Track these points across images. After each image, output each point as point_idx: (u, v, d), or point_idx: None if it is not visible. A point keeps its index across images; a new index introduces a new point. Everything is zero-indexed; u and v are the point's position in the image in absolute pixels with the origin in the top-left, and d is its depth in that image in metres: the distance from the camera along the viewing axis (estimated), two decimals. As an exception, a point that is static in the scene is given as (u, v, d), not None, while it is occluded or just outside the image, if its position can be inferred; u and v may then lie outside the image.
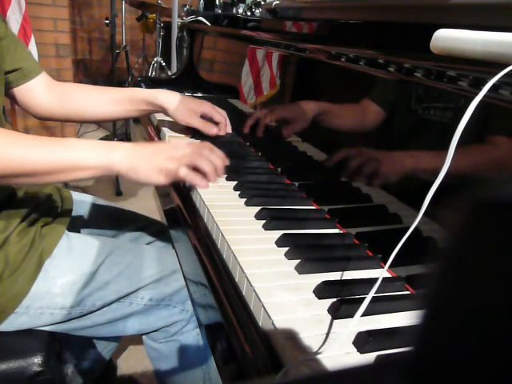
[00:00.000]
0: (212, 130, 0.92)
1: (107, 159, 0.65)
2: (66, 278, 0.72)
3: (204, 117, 0.94)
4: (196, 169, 0.68)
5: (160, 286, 0.79)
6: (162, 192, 0.93)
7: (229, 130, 0.99)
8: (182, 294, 0.80)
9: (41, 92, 0.88)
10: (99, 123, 3.35)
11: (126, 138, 2.78)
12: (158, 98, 0.90)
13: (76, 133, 3.11)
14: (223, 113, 0.97)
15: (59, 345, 0.78)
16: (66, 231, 0.77)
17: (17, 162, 0.59)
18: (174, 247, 0.86)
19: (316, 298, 0.46)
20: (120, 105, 0.91)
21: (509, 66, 0.38)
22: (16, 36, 0.84)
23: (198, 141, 0.92)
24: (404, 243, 0.42)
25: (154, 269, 0.79)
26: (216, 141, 0.97)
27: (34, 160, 0.60)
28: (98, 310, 0.75)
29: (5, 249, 0.68)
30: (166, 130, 0.98)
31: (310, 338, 0.40)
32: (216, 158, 0.71)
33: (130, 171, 0.66)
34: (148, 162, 0.67)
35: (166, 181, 0.67)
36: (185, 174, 0.66)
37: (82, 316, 0.74)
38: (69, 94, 0.91)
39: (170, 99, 0.90)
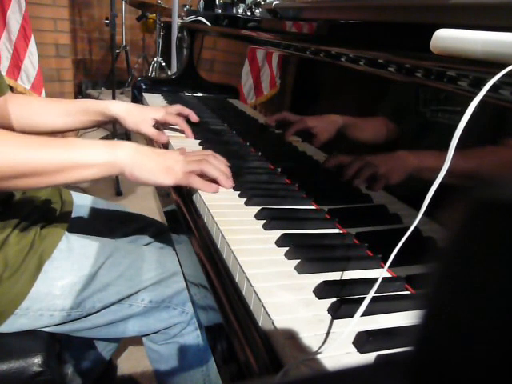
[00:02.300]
0: (162, 139, 0.92)
1: (111, 156, 0.64)
2: (65, 279, 0.72)
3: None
4: (202, 175, 0.69)
5: (160, 287, 0.79)
6: (161, 192, 0.93)
7: (194, 118, 1.02)
8: (182, 295, 0.80)
9: (2, 109, 0.87)
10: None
11: (127, 137, 2.78)
12: (110, 109, 0.90)
13: (76, 133, 3.10)
14: (176, 108, 0.98)
15: (59, 345, 0.78)
16: (66, 232, 0.77)
17: (20, 164, 0.59)
18: (174, 248, 0.86)
19: (316, 298, 0.46)
20: (72, 117, 0.91)
21: (509, 65, 0.38)
22: None
23: (200, 147, 0.92)
24: (404, 243, 0.42)
25: (154, 271, 0.79)
26: (216, 140, 0.97)
27: (38, 161, 0.60)
28: (98, 311, 0.75)
29: (4, 250, 0.68)
30: (166, 130, 0.99)
31: (310, 337, 0.40)
32: (222, 164, 0.72)
33: (135, 169, 0.65)
34: (154, 161, 0.66)
35: (171, 182, 0.66)
36: (193, 179, 0.67)
37: (82, 318, 0.74)
38: (24, 106, 0.89)
39: (121, 109, 0.90)
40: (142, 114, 0.92)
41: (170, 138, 0.94)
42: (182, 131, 0.98)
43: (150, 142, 0.99)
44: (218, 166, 0.71)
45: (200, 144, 0.93)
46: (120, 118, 0.91)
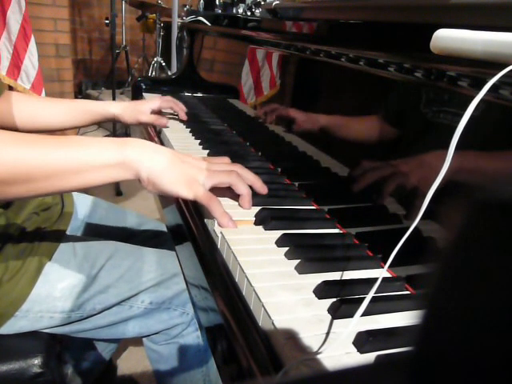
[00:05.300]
0: (162, 122, 0.98)
1: (121, 155, 0.53)
2: (66, 281, 0.71)
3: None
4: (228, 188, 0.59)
5: (160, 289, 0.78)
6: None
7: (183, 116, 1.07)
8: (183, 296, 0.80)
9: (2, 109, 0.86)
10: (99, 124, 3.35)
11: (127, 136, 2.78)
12: (108, 110, 0.94)
13: (76, 132, 3.10)
14: (168, 100, 1.05)
15: (59, 346, 0.78)
16: (66, 234, 0.77)
17: (10, 164, 0.49)
18: (174, 249, 0.86)
19: (316, 298, 0.46)
20: (72, 115, 0.93)
21: (509, 65, 0.38)
22: None
23: (200, 147, 0.92)
24: (404, 243, 0.42)
25: (155, 272, 0.79)
26: (216, 140, 0.97)
27: (32, 161, 0.50)
28: (99, 313, 0.75)
29: (4, 252, 0.68)
30: (166, 131, 0.99)
31: (310, 337, 0.40)
32: (252, 177, 0.62)
33: (152, 174, 0.54)
34: (174, 167, 0.55)
35: (191, 196, 0.55)
36: (214, 204, 0.55)
37: (82, 319, 0.74)
38: (24, 103, 0.90)
39: (118, 108, 0.95)
40: (138, 107, 0.96)
41: (172, 141, 0.93)
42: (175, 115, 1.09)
43: (149, 131, 1.06)
44: (249, 178, 0.61)
45: (200, 144, 0.93)
46: (118, 116, 0.94)
